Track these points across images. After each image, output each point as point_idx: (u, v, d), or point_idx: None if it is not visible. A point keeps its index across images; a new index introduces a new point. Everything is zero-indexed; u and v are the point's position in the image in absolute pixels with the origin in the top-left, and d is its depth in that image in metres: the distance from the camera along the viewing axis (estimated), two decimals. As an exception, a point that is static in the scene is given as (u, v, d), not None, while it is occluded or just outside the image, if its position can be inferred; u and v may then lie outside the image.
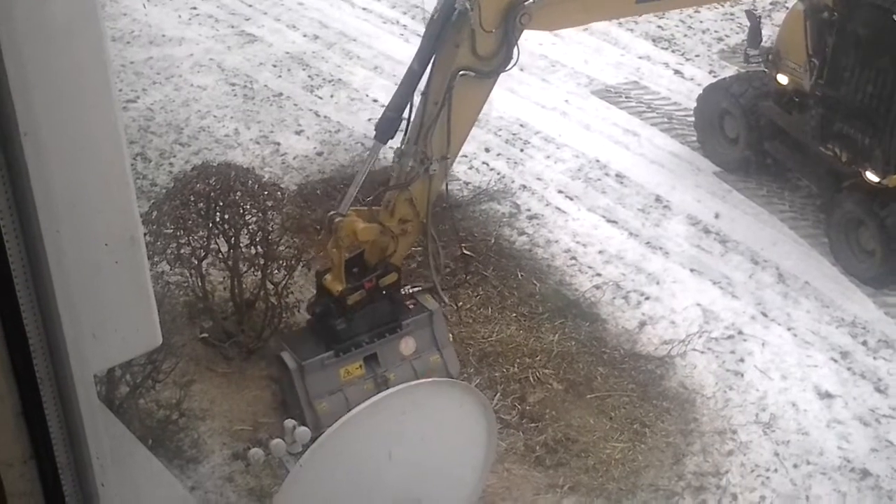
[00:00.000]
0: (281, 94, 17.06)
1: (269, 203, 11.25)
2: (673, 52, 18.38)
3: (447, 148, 9.77)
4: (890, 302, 12.78)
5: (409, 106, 9.65)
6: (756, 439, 11.02)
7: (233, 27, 19.25)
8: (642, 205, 14.50)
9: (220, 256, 11.35)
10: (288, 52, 18.36)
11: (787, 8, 16.15)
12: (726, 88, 15.09)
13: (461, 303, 12.31)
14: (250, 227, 11.16)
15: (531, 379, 11.54)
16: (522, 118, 16.28)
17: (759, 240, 13.79)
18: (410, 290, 10.62)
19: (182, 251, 10.97)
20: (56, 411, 3.39)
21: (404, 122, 9.88)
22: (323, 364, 10.07)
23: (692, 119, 15.64)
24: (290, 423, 8.52)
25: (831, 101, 13.03)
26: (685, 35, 18.84)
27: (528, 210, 14.36)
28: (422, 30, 18.62)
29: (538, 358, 11.76)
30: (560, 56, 17.96)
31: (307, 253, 11.84)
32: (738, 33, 18.51)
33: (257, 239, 11.18)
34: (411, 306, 10.60)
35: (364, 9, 19.97)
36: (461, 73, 9.47)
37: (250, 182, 11.30)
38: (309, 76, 17.65)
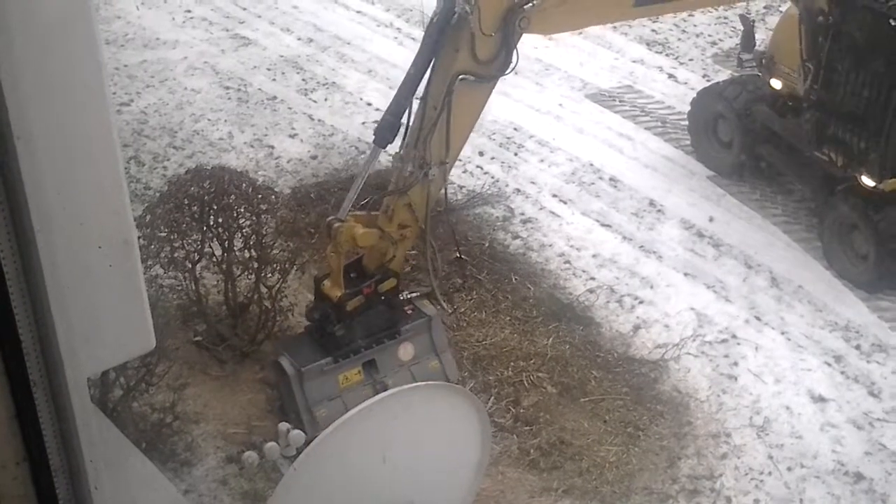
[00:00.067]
0: (275, 97, 17.06)
1: (263, 206, 11.25)
2: (667, 55, 18.41)
3: (446, 153, 9.76)
4: (883, 306, 12.80)
5: (407, 110, 9.63)
6: (750, 442, 11.03)
7: (227, 30, 19.24)
8: (636, 209, 14.51)
9: (214, 260, 11.35)
10: (282, 56, 18.36)
11: (781, 12, 16.19)
12: (720, 92, 15.11)
13: (455, 306, 12.31)
14: (244, 230, 11.16)
15: (525, 382, 11.54)
16: (516, 122, 16.29)
17: (753, 244, 13.81)
18: (408, 296, 10.60)
19: (176, 255, 10.96)
20: (49, 414, 3.39)
21: (402, 127, 9.86)
22: (322, 370, 10.04)
23: (686, 123, 15.66)
24: (284, 426, 8.54)
25: (826, 106, 13.04)
26: (679, 39, 18.87)
27: (522, 214, 14.37)
28: (416, 33, 18.74)
29: (532, 361, 11.77)
30: (554, 60, 17.97)
31: (301, 256, 11.84)
32: (731, 37, 18.53)
33: (251, 242, 11.18)
34: (410, 312, 10.58)
35: (358, 12, 19.97)
36: (460, 77, 9.45)
37: (244, 185, 11.30)
38: (303, 79, 17.65)
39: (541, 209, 14.48)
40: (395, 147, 10.18)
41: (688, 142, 15.68)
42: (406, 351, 10.45)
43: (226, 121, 16.34)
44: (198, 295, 11.44)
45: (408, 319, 10.50)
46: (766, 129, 14.39)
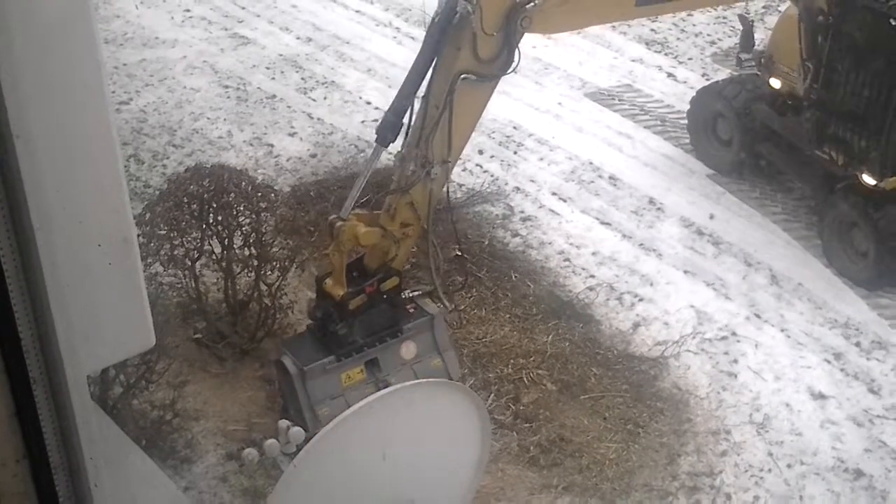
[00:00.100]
0: (274, 96, 17.07)
1: (263, 205, 11.26)
2: (666, 55, 18.41)
3: (448, 151, 9.76)
4: (883, 303, 12.81)
5: (409, 109, 9.63)
6: (750, 440, 11.04)
7: (226, 29, 19.25)
8: (636, 207, 14.52)
9: (214, 258, 11.36)
10: (281, 55, 18.36)
11: (780, 12, 16.19)
12: (719, 91, 15.12)
13: (455, 304, 12.30)
14: (244, 228, 11.16)
15: (525, 380, 11.55)
16: (516, 120, 16.29)
17: (753, 241, 13.82)
18: (410, 294, 10.59)
19: (175, 252, 10.97)
20: (49, 412, 3.39)
21: (404, 126, 9.85)
22: (324, 369, 10.01)
23: (685, 122, 15.67)
24: (284, 423, 8.53)
25: (827, 105, 13.04)
26: (678, 38, 18.87)
27: (522, 212, 14.38)
28: (415, 32, 18.76)
29: (532, 359, 11.77)
30: (553, 59, 17.98)
31: (301, 254, 11.85)
32: (730, 36, 18.54)
33: (251, 240, 11.19)
34: (412, 310, 10.56)
35: (357, 11, 19.97)
36: (462, 76, 9.46)
37: (244, 184, 11.31)
38: (302, 78, 17.65)
39: (540, 207, 14.49)
40: (396, 146, 10.17)
41: (687, 140, 15.69)
42: (408, 349, 10.42)
43: (225, 119, 16.35)
44: (197, 293, 11.45)
45: (410, 318, 10.48)
46: (765, 127, 14.41)
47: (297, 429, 8.41)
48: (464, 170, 15.00)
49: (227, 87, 17.28)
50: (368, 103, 16.84)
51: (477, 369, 11.63)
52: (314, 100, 17.01)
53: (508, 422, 11.09)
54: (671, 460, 10.80)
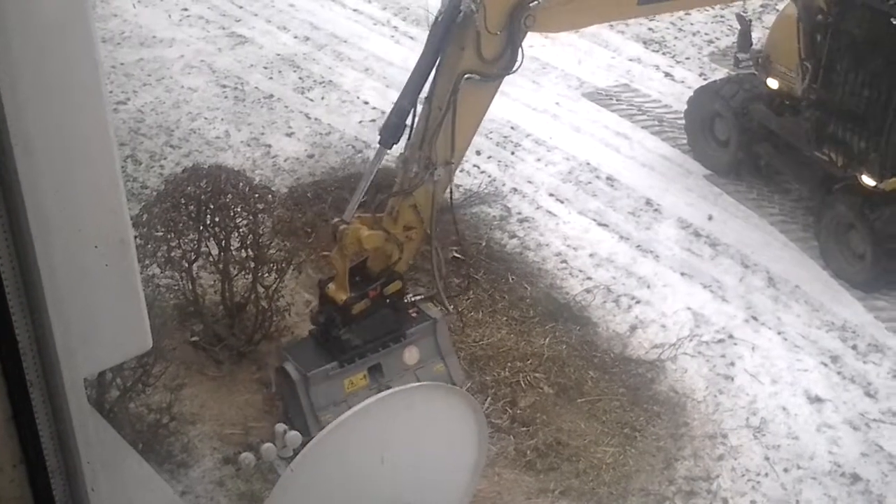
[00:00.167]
0: (272, 95, 17.04)
1: (260, 206, 11.24)
2: (663, 54, 18.40)
3: (451, 153, 9.73)
4: (880, 306, 12.80)
5: (412, 111, 9.60)
6: (746, 443, 11.03)
7: (223, 29, 19.22)
8: (633, 208, 14.50)
9: (211, 259, 11.33)
10: (279, 54, 18.34)
11: (777, 11, 16.18)
12: (717, 91, 15.11)
13: (456, 307, 12.28)
14: (241, 229, 11.14)
15: (522, 383, 11.53)
16: (513, 121, 16.28)
17: (750, 243, 13.80)
18: (413, 299, 10.55)
19: (172, 254, 10.94)
20: (46, 415, 3.37)
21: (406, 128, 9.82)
22: (327, 375, 9.97)
23: (683, 122, 15.66)
24: (280, 427, 8.52)
25: (826, 105, 13.02)
26: (676, 38, 18.86)
27: (519, 213, 14.36)
28: (413, 31, 18.76)
29: (529, 362, 11.75)
30: (551, 58, 17.96)
31: (298, 256, 11.82)
32: (728, 36, 18.53)
33: (248, 242, 11.16)
34: (414, 315, 10.51)
35: (355, 10, 19.95)
36: (466, 76, 9.44)
37: (241, 185, 11.29)
38: (300, 78, 17.63)
39: (538, 208, 14.47)
40: (398, 147, 10.14)
41: (684, 140, 15.68)
42: (411, 354, 10.38)
43: (222, 119, 16.32)
44: (194, 295, 11.42)
45: (412, 322, 10.43)
46: (762, 127, 14.40)
47: (293, 433, 8.40)
48: (461, 171, 14.94)
49: (224, 86, 17.25)
50: (366, 103, 16.82)
51: (474, 372, 11.61)
52: (312, 99, 16.99)
53: (505, 425, 11.07)
54: (668, 464, 10.78)
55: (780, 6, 16.27)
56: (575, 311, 12.67)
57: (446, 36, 9.41)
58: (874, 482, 10.63)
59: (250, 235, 11.13)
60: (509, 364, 11.71)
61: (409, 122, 9.61)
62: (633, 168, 15.35)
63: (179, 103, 16.74)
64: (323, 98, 17.05)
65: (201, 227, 11.00)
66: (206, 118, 16.33)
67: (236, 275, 11.44)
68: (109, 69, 17.14)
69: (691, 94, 15.66)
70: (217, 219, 11.01)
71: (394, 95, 16.44)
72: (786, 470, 10.76)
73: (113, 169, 3.38)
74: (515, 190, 14.84)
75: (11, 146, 3.03)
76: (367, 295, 10.03)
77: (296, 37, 18.97)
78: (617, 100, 17.08)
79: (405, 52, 18.08)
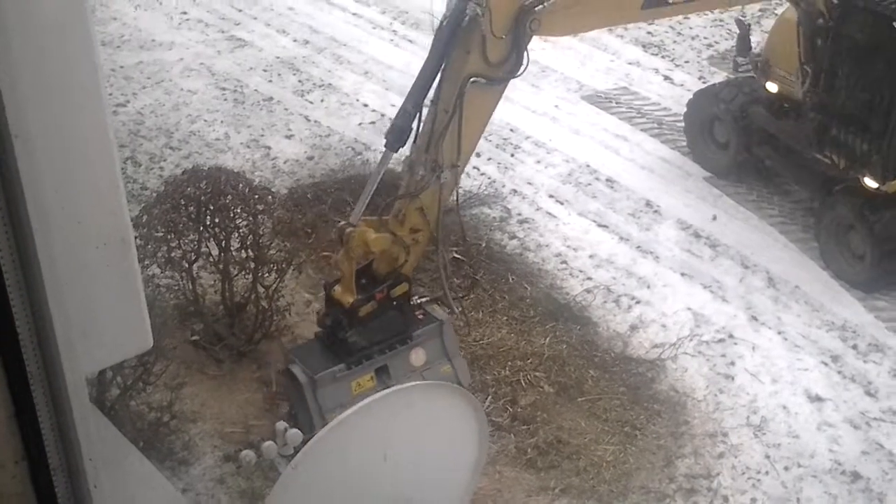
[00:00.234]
0: (271, 98, 17.07)
1: (260, 207, 11.27)
2: (663, 57, 18.43)
3: (458, 156, 9.75)
4: (880, 306, 12.81)
5: (418, 114, 9.61)
6: (747, 442, 11.05)
7: (223, 32, 19.25)
8: (633, 209, 14.53)
9: (211, 260, 11.36)
10: (278, 57, 18.37)
11: (776, 15, 16.20)
12: (716, 94, 15.12)
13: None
14: (241, 230, 11.16)
15: (522, 382, 11.55)
16: (513, 123, 16.30)
17: (750, 244, 13.82)
18: (419, 301, 10.56)
19: (173, 254, 10.97)
20: (48, 413, 3.39)
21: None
22: (334, 377, 9.95)
23: (682, 124, 15.68)
24: (281, 425, 8.54)
25: (827, 108, 13.03)
26: (675, 41, 18.89)
27: (519, 214, 14.38)
28: (412, 35, 18.78)
29: (529, 361, 11.78)
30: (551, 61, 17.98)
31: (298, 256, 11.85)
32: (727, 39, 18.55)
33: (248, 242, 11.18)
34: (420, 317, 10.52)
35: (354, 14, 19.98)
36: (472, 80, 9.46)
37: (241, 186, 11.31)
38: (299, 81, 17.66)
39: (537, 210, 14.49)
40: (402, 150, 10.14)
41: (684, 143, 15.70)
42: (418, 356, 10.37)
43: (222, 122, 16.35)
44: (195, 294, 11.45)
45: (419, 324, 10.43)
46: (762, 130, 14.41)
47: (294, 431, 8.41)
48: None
49: (224, 89, 17.28)
50: (365, 106, 16.84)
51: (474, 371, 11.61)
52: (311, 102, 17.01)
53: (506, 424, 11.09)
54: (668, 462, 10.80)
55: (779, 10, 16.29)
56: (575, 310, 12.69)
57: (452, 40, 9.42)
58: (875, 480, 10.65)
59: (250, 236, 11.16)
60: (510, 363, 11.73)
61: (414, 125, 9.62)
62: (633, 170, 15.38)
63: (179, 106, 16.77)
64: (322, 101, 17.08)
65: (201, 228, 11.03)
66: (205, 120, 16.36)
67: (236, 275, 11.47)
68: (109, 72, 17.17)
69: (690, 97, 15.68)
70: (217, 219, 11.03)
71: (393, 98, 16.67)
72: (786, 468, 10.78)
73: (113, 170, 3.41)
74: (515, 191, 14.86)
75: (13, 147, 3.06)
76: (374, 297, 10.02)
77: (295, 40, 19.00)
78: (616, 103, 17.11)
79: (404, 56, 18.11)
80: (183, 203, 10.96)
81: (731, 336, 12.37)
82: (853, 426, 11.24)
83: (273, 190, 12.86)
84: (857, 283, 13.00)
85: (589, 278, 13.25)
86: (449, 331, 10.54)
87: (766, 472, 10.72)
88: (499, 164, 15.46)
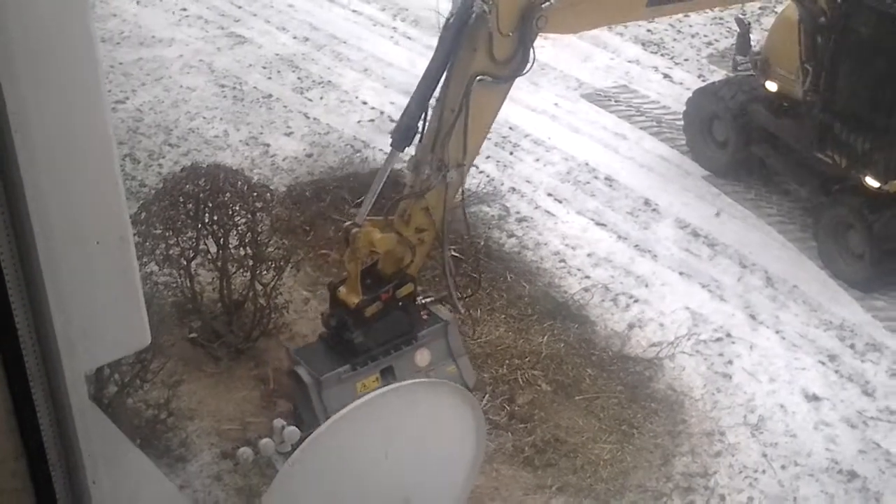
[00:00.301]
0: (270, 95, 17.07)
1: (259, 204, 11.26)
2: (662, 56, 18.43)
3: (463, 155, 9.74)
4: (878, 305, 12.82)
5: (424, 114, 9.60)
6: (744, 441, 11.06)
7: (222, 29, 19.24)
8: (631, 208, 14.53)
9: (209, 257, 11.35)
10: (278, 54, 18.36)
11: (776, 13, 16.21)
12: (715, 92, 15.13)
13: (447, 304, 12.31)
14: (239, 228, 11.17)
15: (520, 380, 11.56)
16: (512, 121, 16.29)
17: (748, 243, 13.83)
18: (423, 301, 10.55)
19: (171, 252, 10.97)
20: (47, 409, 3.40)
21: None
22: (340, 378, 9.94)
23: (681, 123, 15.69)
24: (278, 422, 8.54)
25: (829, 107, 13.02)
26: (674, 39, 18.89)
27: (518, 213, 14.39)
28: (412, 32, 18.77)
29: (527, 359, 11.78)
30: (550, 59, 17.97)
31: (296, 254, 11.85)
32: (727, 38, 18.55)
33: (246, 240, 11.18)
34: (425, 317, 10.51)
35: (354, 11, 19.98)
36: (478, 78, 9.46)
37: (240, 183, 11.31)
38: (298, 78, 17.66)
39: (536, 208, 14.50)
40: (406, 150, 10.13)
41: (683, 141, 15.70)
42: (423, 357, 10.36)
43: (221, 119, 16.35)
44: (193, 292, 11.45)
45: (424, 325, 10.42)
46: (761, 129, 14.41)
47: (291, 428, 8.42)
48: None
49: (223, 86, 17.28)
50: (365, 103, 16.84)
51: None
52: (310, 99, 17.01)
53: (503, 422, 11.10)
54: (666, 461, 10.82)
55: (779, 9, 16.30)
56: (573, 309, 12.70)
57: (458, 37, 9.41)
58: (871, 479, 10.66)
59: (249, 233, 11.16)
60: (507, 361, 11.74)
61: (420, 124, 9.60)
62: (632, 168, 15.38)
63: (178, 102, 16.77)
64: (322, 98, 17.07)
65: (200, 226, 11.03)
66: (204, 117, 16.36)
67: (234, 272, 11.47)
68: (108, 69, 17.15)
69: (690, 95, 15.68)
70: (215, 217, 11.03)
71: (393, 96, 16.68)
72: (783, 467, 10.79)
73: (112, 167, 3.41)
74: (514, 189, 14.86)
75: (13, 143, 3.06)
76: (380, 298, 9.99)
77: (295, 37, 18.99)
78: (615, 101, 17.11)
79: (404, 53, 18.12)
80: (181, 200, 10.96)
81: (728, 335, 12.38)
82: (850, 425, 11.26)
83: (272, 187, 12.87)
84: (856, 283, 13.01)
85: (587, 277, 13.26)
86: (454, 331, 10.54)
87: (763, 471, 10.73)
88: (497, 162, 15.46)
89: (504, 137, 15.99)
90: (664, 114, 16.64)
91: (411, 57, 17.68)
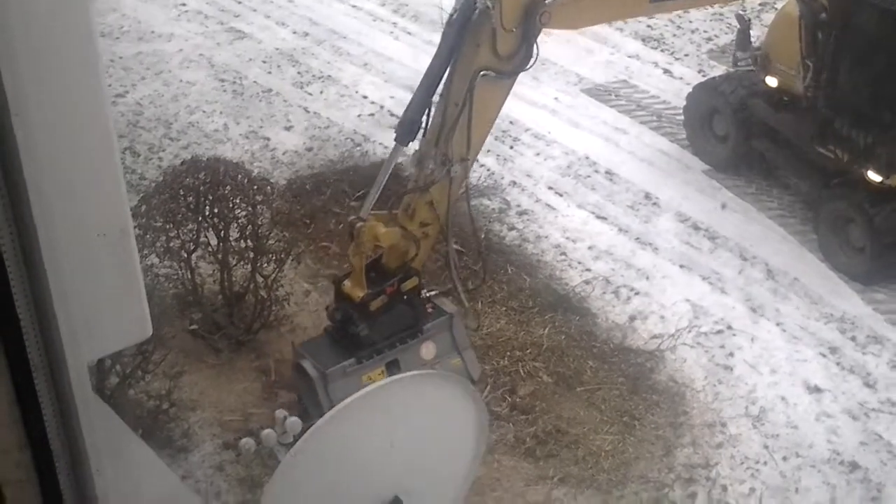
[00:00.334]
0: (270, 90, 17.08)
1: (259, 197, 11.28)
2: (662, 51, 18.43)
3: (467, 150, 9.76)
4: (878, 298, 12.84)
5: (428, 109, 9.61)
6: (745, 432, 11.08)
7: (222, 23, 19.25)
8: (632, 202, 14.54)
9: (210, 249, 11.37)
10: (277, 49, 18.37)
11: (776, 9, 16.20)
12: (716, 87, 15.14)
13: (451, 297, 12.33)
14: (240, 220, 11.18)
15: (521, 372, 11.58)
16: (512, 115, 16.28)
17: (749, 236, 13.84)
18: (428, 294, 10.57)
19: (172, 244, 10.99)
20: (50, 399, 3.41)
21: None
22: (345, 371, 9.96)
23: (681, 118, 15.69)
24: (280, 413, 8.55)
25: (829, 103, 13.02)
26: (674, 35, 18.89)
27: (518, 206, 14.40)
28: (411, 27, 18.77)
29: (528, 351, 11.80)
30: (550, 54, 17.94)
31: (296, 247, 11.87)
32: (727, 33, 18.56)
33: (247, 233, 11.20)
34: (430, 310, 10.53)
35: (354, 6, 19.98)
36: (482, 73, 9.47)
37: (240, 176, 11.33)
38: (298, 72, 17.66)
39: (537, 201, 14.51)
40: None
41: (683, 136, 15.71)
42: (428, 350, 10.38)
43: (221, 113, 16.36)
44: (194, 284, 11.47)
45: (429, 318, 10.44)
46: (761, 123, 14.42)
47: (293, 419, 8.43)
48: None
49: (223, 80, 17.29)
50: (365, 97, 16.85)
51: (473, 361, 11.65)
52: (310, 94, 17.02)
53: (505, 413, 11.12)
54: (667, 452, 10.84)
55: (779, 5, 16.29)
56: (574, 301, 12.72)
57: (462, 33, 9.42)
58: (873, 470, 10.68)
59: (249, 226, 11.17)
60: (509, 353, 11.76)
61: (423, 119, 9.62)
62: (632, 162, 15.39)
63: (178, 96, 16.78)
64: (322, 92, 17.08)
65: (200, 218, 11.05)
66: (204, 111, 16.37)
67: (235, 265, 11.49)
68: (108, 63, 17.16)
69: (690, 90, 15.69)
70: (216, 210, 11.05)
71: (392, 90, 16.69)
72: (785, 458, 10.81)
73: (112, 160, 3.42)
74: (514, 183, 14.87)
75: (14, 136, 3.07)
76: (385, 291, 10.01)
77: (295, 32, 19.00)
78: (616, 96, 17.11)
79: (404, 48, 18.13)
80: (182, 193, 10.98)
81: (729, 327, 12.40)
82: (852, 417, 11.28)
83: (272, 181, 12.89)
84: (856, 276, 13.02)
85: (588, 269, 13.27)
86: (459, 324, 10.55)
87: (765, 462, 10.75)
88: (498, 155, 15.47)
89: (504, 131, 15.99)
90: (664, 109, 16.65)
91: (411, 52, 17.69)
